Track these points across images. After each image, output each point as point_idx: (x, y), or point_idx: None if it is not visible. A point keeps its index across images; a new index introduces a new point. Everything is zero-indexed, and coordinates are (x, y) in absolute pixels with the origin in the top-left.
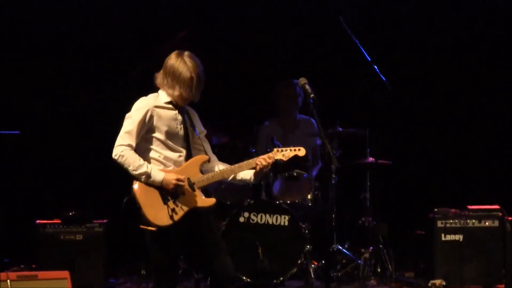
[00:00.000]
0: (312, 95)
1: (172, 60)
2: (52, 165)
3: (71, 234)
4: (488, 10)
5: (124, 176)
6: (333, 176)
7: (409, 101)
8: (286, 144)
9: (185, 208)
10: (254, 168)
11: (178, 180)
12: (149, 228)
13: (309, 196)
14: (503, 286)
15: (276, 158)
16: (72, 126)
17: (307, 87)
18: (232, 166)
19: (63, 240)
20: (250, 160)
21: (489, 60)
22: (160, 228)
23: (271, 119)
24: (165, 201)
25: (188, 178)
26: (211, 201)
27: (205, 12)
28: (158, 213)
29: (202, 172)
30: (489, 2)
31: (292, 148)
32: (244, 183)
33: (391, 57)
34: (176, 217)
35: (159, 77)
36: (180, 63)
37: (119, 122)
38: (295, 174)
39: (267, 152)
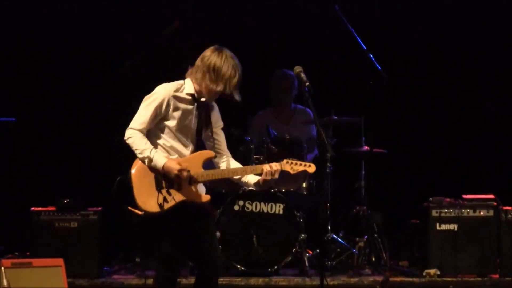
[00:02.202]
0: (307, 84)
1: (214, 56)
2: (47, 153)
3: (65, 222)
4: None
5: (119, 164)
6: (328, 164)
7: (404, 89)
8: (280, 133)
9: (177, 199)
10: (259, 174)
11: (181, 169)
12: (136, 211)
13: (304, 185)
14: (497, 275)
15: (283, 169)
16: (67, 114)
17: (302, 75)
18: (236, 168)
19: (58, 228)
20: (256, 166)
21: (486, 50)
22: (147, 214)
23: (266, 108)
24: (159, 189)
25: (188, 171)
26: (206, 197)
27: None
28: (148, 199)
29: (206, 167)
30: None
31: (303, 163)
32: (247, 186)
33: (386, 45)
34: (165, 206)
35: (196, 71)
36: (224, 61)
37: (113, 111)
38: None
39: (262, 141)
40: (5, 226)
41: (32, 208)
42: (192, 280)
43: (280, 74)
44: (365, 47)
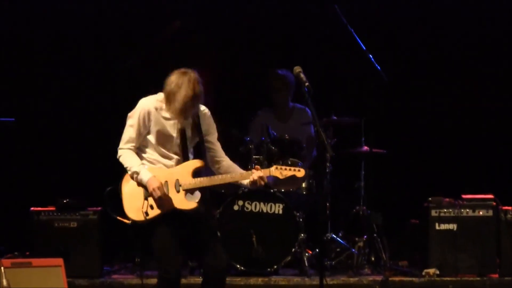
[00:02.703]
0: (306, 84)
1: (173, 77)
2: (47, 152)
3: (65, 222)
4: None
5: (119, 164)
6: (328, 165)
7: (404, 90)
8: (279, 132)
9: (163, 209)
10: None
11: (156, 188)
12: (124, 220)
13: (303, 185)
14: (497, 275)
15: (272, 175)
16: (67, 113)
17: (302, 75)
18: (224, 176)
19: (58, 228)
20: (245, 173)
21: (486, 49)
22: (134, 222)
23: (265, 108)
24: (146, 197)
25: (177, 180)
26: (192, 204)
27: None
28: (133, 207)
29: (198, 174)
30: None
31: (292, 168)
32: (240, 185)
33: (386, 45)
34: (151, 214)
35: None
36: (178, 85)
37: (113, 111)
38: (289, 163)
39: (262, 141)
40: (5, 226)
41: (32, 208)
42: (192, 280)
43: (273, 74)
44: (364, 48)
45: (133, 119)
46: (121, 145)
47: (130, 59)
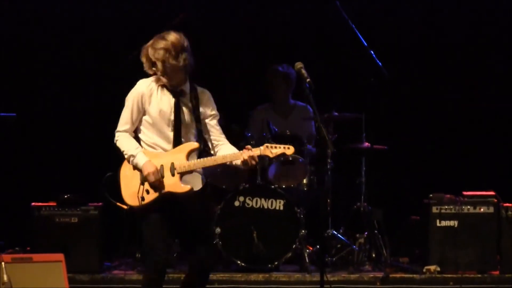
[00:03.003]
0: (308, 80)
1: (158, 39)
2: (48, 148)
3: (66, 217)
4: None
5: (119, 160)
6: (329, 161)
7: (405, 86)
8: (280, 128)
9: (158, 192)
10: (239, 160)
11: (150, 173)
12: (122, 205)
13: (304, 181)
14: (497, 272)
15: (263, 154)
16: (68, 109)
17: (303, 71)
18: (216, 157)
19: (58, 223)
20: (236, 153)
21: (487, 48)
22: (131, 208)
23: (265, 103)
24: (142, 182)
25: (172, 163)
26: (185, 188)
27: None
28: (130, 193)
29: (192, 155)
30: None
31: (281, 146)
32: (236, 166)
33: (387, 42)
34: (147, 199)
35: (155, 66)
36: (153, 42)
37: (114, 106)
38: (290, 159)
39: (263, 136)
40: (6, 221)
41: (33, 203)
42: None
43: (272, 70)
44: (366, 44)
45: (128, 101)
46: (118, 127)
47: (134, 52)
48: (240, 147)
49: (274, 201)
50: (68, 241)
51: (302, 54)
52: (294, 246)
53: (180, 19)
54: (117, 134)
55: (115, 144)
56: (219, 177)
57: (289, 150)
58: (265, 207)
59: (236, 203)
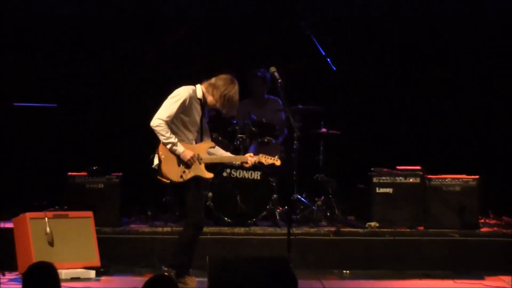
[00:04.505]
0: (279, 80)
1: (225, 82)
2: (82, 131)
3: (94, 184)
4: None
5: (137, 141)
6: (295, 142)
7: (355, 86)
8: (258, 117)
9: (192, 174)
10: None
11: (192, 157)
12: (163, 179)
13: (276, 157)
14: (422, 228)
15: (259, 160)
16: (98, 102)
17: (276, 74)
18: (229, 156)
19: (88, 188)
20: (243, 156)
21: (420, 34)
22: (171, 181)
23: (247, 98)
24: (179, 164)
25: (198, 154)
26: (210, 174)
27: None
28: (172, 171)
29: (210, 152)
30: None
31: (272, 158)
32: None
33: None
34: (184, 177)
35: (208, 85)
36: (232, 91)
37: (134, 97)
38: (266, 140)
39: (245, 123)
40: (49, 187)
41: (69, 173)
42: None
43: (252, 74)
44: (324, 53)
45: (177, 100)
46: (162, 116)
47: (149, 53)
48: (228, 132)
49: (253, 172)
50: (95, 202)
51: (277, 58)
52: (268, 206)
53: (184, 28)
54: (159, 121)
55: (151, 126)
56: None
57: (278, 162)
58: (246, 177)
59: (224, 174)
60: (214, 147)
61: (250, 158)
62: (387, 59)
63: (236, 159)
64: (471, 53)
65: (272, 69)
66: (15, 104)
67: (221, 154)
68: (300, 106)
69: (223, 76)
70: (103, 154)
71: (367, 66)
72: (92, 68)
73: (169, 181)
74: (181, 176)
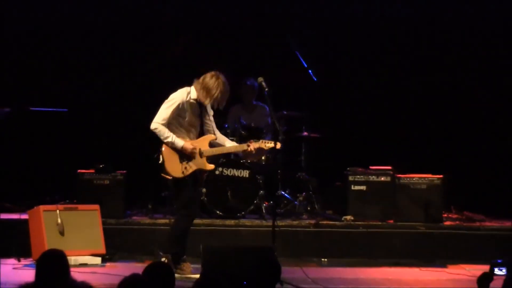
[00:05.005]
0: (266, 89)
1: (209, 79)
2: (90, 132)
3: (101, 180)
4: None
5: (139, 142)
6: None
7: (333, 94)
8: (247, 121)
9: (194, 167)
10: (245, 150)
11: (193, 148)
12: (167, 176)
13: (263, 158)
14: (392, 221)
15: (260, 146)
16: (104, 107)
17: (263, 83)
18: (230, 147)
19: (95, 184)
20: (244, 145)
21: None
22: (174, 178)
23: (237, 104)
24: (181, 161)
25: (199, 148)
26: (211, 166)
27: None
28: (174, 168)
29: (211, 145)
30: None
31: (272, 142)
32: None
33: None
34: (186, 172)
35: (197, 84)
36: (215, 85)
37: (136, 102)
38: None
39: (235, 127)
40: (60, 183)
41: (79, 170)
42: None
43: (243, 82)
44: (306, 65)
45: (171, 105)
46: (159, 120)
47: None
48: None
49: (242, 171)
50: (102, 197)
51: (265, 69)
52: (255, 201)
53: (180, 42)
54: (156, 125)
55: (151, 129)
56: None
57: (278, 145)
58: (236, 175)
59: (217, 172)
60: (215, 139)
61: (253, 144)
62: (362, 70)
63: (237, 148)
64: (435, 58)
65: (260, 79)
66: (31, 108)
67: (224, 144)
68: (285, 112)
69: (208, 74)
70: (109, 153)
71: (344, 76)
72: (98, 74)
73: (171, 177)
74: (183, 172)
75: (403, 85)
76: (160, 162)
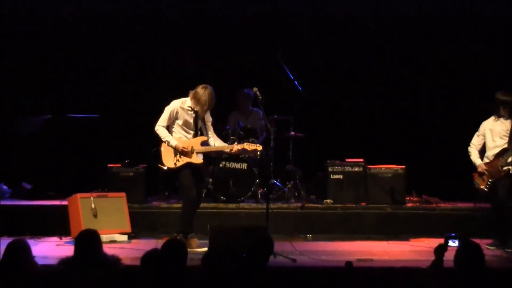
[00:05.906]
0: (260, 97)
1: (199, 89)
2: (117, 135)
3: (126, 172)
4: None
5: (155, 140)
6: (272, 142)
7: (315, 101)
8: (244, 124)
9: (185, 160)
10: (230, 149)
11: (183, 147)
12: (162, 166)
13: (258, 154)
14: (364, 203)
15: (243, 147)
16: (131, 111)
17: (257, 92)
18: (218, 146)
19: (122, 176)
20: (230, 145)
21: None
22: (169, 168)
23: (236, 110)
24: (175, 155)
25: (192, 146)
26: (200, 160)
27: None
28: (168, 160)
29: (203, 144)
30: None
31: (255, 145)
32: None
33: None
34: (178, 164)
35: (191, 94)
36: (202, 94)
37: (160, 108)
38: (250, 141)
39: (235, 129)
40: (93, 175)
41: (109, 165)
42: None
43: (240, 91)
44: (292, 77)
45: (167, 110)
46: (159, 123)
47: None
48: (222, 136)
49: (241, 163)
50: (127, 186)
51: (259, 79)
52: (252, 189)
53: (190, 58)
54: (157, 126)
55: (155, 131)
56: (211, 152)
57: (259, 147)
58: (237, 167)
59: (220, 165)
60: (207, 140)
61: (236, 145)
62: (341, 83)
63: (224, 148)
64: (394, 62)
65: (255, 88)
66: (68, 115)
67: (213, 144)
68: (275, 116)
69: (199, 86)
70: (133, 151)
71: (324, 87)
72: (126, 85)
73: (166, 167)
74: (175, 164)
75: (369, 89)
76: (158, 155)
